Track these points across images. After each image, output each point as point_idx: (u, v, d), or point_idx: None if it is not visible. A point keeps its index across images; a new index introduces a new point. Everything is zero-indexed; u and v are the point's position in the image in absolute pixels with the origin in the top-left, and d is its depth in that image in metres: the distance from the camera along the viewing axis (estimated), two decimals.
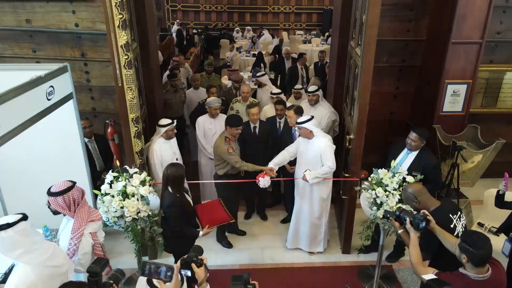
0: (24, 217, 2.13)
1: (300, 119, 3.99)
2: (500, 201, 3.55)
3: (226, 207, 3.70)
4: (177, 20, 15.20)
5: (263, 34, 14.30)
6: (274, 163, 4.19)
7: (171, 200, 3.31)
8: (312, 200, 4.18)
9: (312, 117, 4.00)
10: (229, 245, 4.59)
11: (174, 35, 13.93)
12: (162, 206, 3.41)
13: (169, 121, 4.16)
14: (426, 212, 2.65)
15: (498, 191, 3.54)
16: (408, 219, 2.66)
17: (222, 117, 4.76)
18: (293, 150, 4.21)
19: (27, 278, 2.12)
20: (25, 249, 2.11)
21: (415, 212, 2.74)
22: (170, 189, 3.35)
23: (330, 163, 3.93)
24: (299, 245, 4.48)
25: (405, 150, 3.86)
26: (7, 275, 2.75)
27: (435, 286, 2.17)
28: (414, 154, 3.80)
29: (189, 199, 3.55)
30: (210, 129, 4.84)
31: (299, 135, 4.19)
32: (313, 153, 3.99)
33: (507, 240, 3.25)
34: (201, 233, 3.40)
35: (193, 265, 2.16)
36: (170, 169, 3.35)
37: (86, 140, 4.32)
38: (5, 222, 2.05)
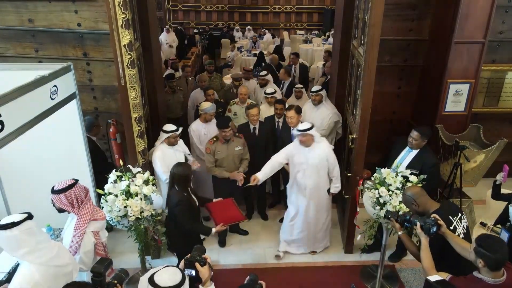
0: (29, 216, 2.13)
1: (303, 127, 3.85)
2: (496, 193, 3.59)
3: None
4: (166, 27, 12.68)
5: (265, 33, 14.31)
6: (264, 174, 3.98)
7: (178, 198, 3.34)
8: (321, 202, 4.18)
9: (313, 125, 3.91)
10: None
11: (161, 41, 11.16)
12: (169, 204, 3.43)
13: (173, 127, 4.04)
14: (437, 217, 2.61)
15: (494, 182, 3.57)
16: (418, 224, 2.62)
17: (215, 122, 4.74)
18: (282, 159, 4.03)
19: (32, 278, 2.12)
20: (30, 248, 2.12)
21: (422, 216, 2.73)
22: (176, 188, 3.38)
23: (337, 166, 4.05)
24: (314, 248, 4.45)
25: (407, 148, 3.89)
26: (11, 274, 2.76)
27: (440, 287, 2.17)
28: (414, 152, 3.83)
29: (195, 199, 3.57)
30: (205, 134, 4.73)
31: (298, 140, 3.99)
32: (318, 159, 3.95)
33: (503, 229, 3.29)
34: (213, 230, 3.43)
35: (197, 264, 2.17)
36: (177, 168, 3.41)
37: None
38: (10, 221, 2.06)
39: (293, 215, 4.26)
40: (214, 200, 3.81)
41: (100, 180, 3.86)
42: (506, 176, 3.55)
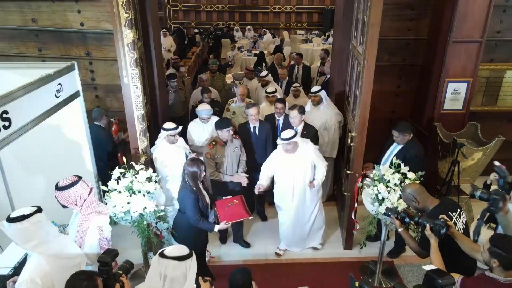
0: (39, 210, 2.19)
1: (286, 135, 3.85)
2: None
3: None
4: (163, 30, 11.52)
5: (265, 33, 14.36)
6: (267, 179, 4.09)
7: (186, 192, 3.42)
8: (309, 198, 4.21)
9: (296, 132, 3.96)
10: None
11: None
12: (178, 197, 3.51)
13: (173, 125, 4.06)
14: (446, 218, 2.62)
15: (485, 182, 3.62)
16: (428, 226, 2.61)
17: (214, 120, 4.73)
18: (273, 168, 4.08)
19: (41, 269, 2.18)
20: (40, 240, 2.18)
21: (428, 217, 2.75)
22: (186, 182, 3.46)
23: (324, 163, 4.06)
24: (313, 244, 4.50)
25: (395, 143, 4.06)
26: (17, 269, 2.82)
27: (436, 276, 2.22)
28: (400, 146, 4.00)
29: (206, 195, 3.61)
30: (203, 133, 4.76)
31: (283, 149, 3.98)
32: (306, 162, 3.99)
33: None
34: (217, 227, 3.48)
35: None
36: (188, 163, 3.49)
37: None
38: (21, 214, 2.12)
39: (286, 220, 4.30)
40: (224, 198, 3.83)
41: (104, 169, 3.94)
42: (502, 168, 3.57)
